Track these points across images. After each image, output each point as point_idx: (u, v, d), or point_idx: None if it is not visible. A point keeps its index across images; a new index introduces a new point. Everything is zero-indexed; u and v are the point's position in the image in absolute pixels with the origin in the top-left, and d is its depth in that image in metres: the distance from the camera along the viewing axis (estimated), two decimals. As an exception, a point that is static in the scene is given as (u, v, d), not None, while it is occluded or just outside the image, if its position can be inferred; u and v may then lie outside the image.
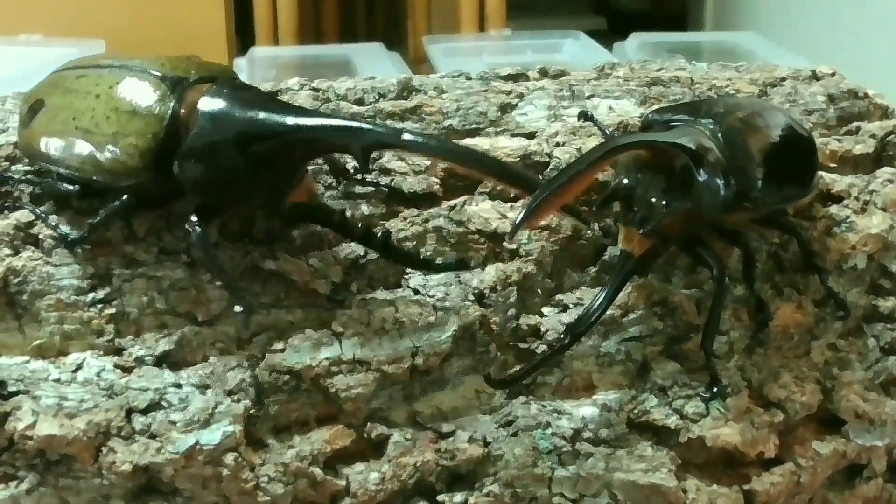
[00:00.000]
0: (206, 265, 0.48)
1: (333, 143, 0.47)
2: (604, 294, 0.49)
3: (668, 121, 0.53)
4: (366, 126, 0.47)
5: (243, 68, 1.47)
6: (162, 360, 0.48)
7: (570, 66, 1.58)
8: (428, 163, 0.54)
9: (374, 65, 1.52)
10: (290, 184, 0.48)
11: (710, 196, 0.49)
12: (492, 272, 0.51)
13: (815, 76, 0.67)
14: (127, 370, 0.47)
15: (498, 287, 0.51)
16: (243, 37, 1.85)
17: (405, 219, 0.52)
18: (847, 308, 0.55)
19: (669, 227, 0.50)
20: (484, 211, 0.53)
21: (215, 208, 0.48)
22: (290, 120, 0.47)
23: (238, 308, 0.46)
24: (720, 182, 0.49)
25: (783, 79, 0.65)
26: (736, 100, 0.60)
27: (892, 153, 0.62)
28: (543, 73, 0.67)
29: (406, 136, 0.46)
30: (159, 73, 0.49)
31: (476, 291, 0.51)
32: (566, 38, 1.61)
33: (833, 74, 0.67)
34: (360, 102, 0.61)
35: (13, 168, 0.53)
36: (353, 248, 0.51)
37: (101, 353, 0.48)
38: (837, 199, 0.59)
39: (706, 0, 2.33)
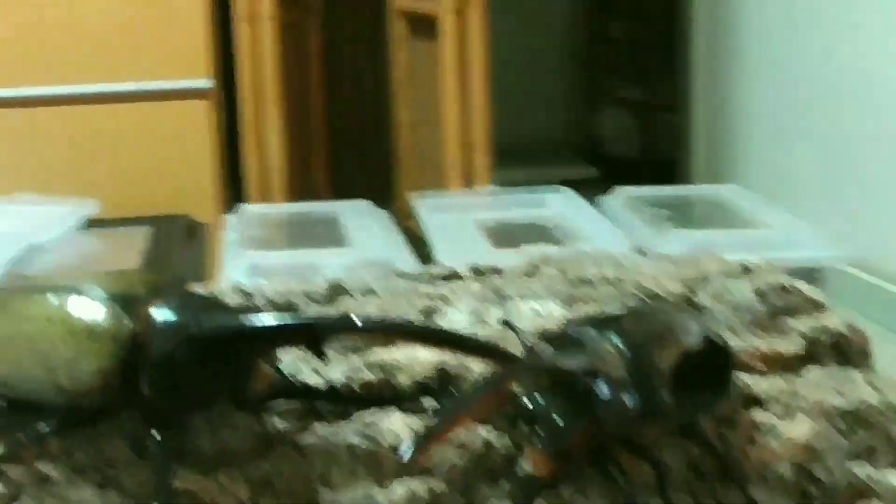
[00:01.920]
0: (157, 485, 0.49)
1: (287, 340, 0.50)
2: None
3: (577, 336, 0.53)
4: (311, 320, 0.50)
5: (232, 225, 1.49)
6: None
7: (554, 220, 1.59)
8: (341, 377, 0.55)
9: (361, 222, 1.54)
10: (248, 376, 0.51)
11: (614, 415, 0.49)
12: (399, 490, 0.51)
13: (746, 269, 0.67)
14: None
15: (401, 508, 0.51)
16: (235, 193, 1.89)
17: (314, 433, 0.52)
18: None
19: (573, 447, 0.49)
20: (394, 425, 0.53)
21: (175, 417, 0.50)
22: (243, 323, 0.49)
23: None
24: (624, 400, 0.49)
25: (711, 276, 0.66)
26: (647, 311, 0.61)
27: (822, 351, 0.62)
28: (477, 272, 0.67)
29: (355, 320, 0.48)
30: (107, 294, 0.50)
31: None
32: (550, 192, 1.63)
33: (766, 267, 0.68)
34: (289, 307, 0.62)
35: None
36: (261, 466, 0.51)
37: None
38: (759, 402, 0.59)
39: (696, 149, 2.36)
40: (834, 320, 0.63)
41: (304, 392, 0.53)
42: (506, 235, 1.24)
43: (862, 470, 0.56)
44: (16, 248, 1.37)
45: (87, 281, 0.51)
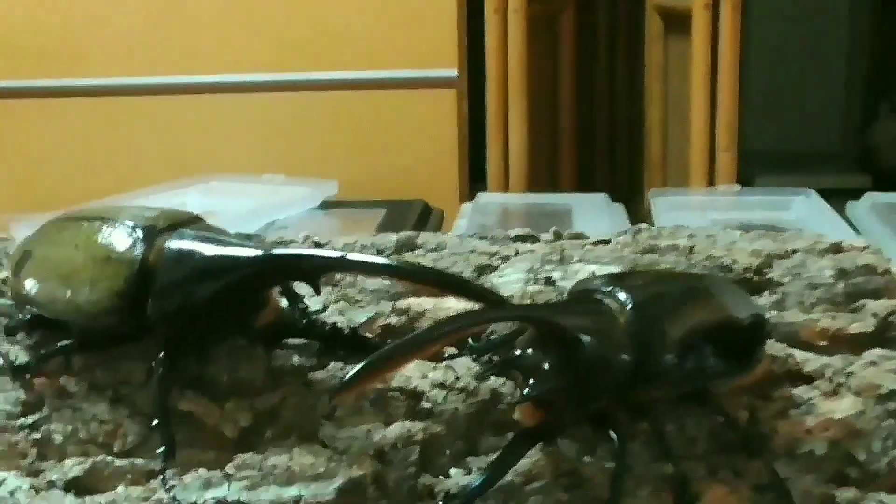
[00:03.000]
0: (155, 403, 0.53)
1: (285, 272, 0.53)
2: (491, 468, 0.49)
3: (587, 292, 0.53)
4: (311, 253, 0.53)
5: (468, 213, 1.54)
6: (70, 486, 0.52)
7: (794, 223, 1.54)
8: (363, 319, 0.57)
9: (594, 215, 1.55)
10: (255, 309, 0.53)
11: (601, 372, 0.49)
12: (396, 429, 0.53)
13: (838, 249, 0.64)
14: (38, 491, 0.52)
15: (399, 444, 0.52)
16: (476, 183, 1.93)
17: (328, 371, 0.55)
18: (790, 497, 0.52)
19: (561, 399, 0.49)
20: (407, 370, 0.55)
21: (184, 344, 0.53)
22: (243, 253, 0.52)
23: (160, 450, 0.51)
24: (613, 358, 0.49)
25: (794, 251, 0.63)
26: (678, 276, 0.59)
27: (894, 335, 0.58)
28: (557, 236, 0.67)
29: (350, 257, 0.50)
30: (131, 223, 0.55)
31: (377, 447, 0.52)
32: (797, 195, 1.58)
33: (865, 248, 0.64)
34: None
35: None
36: (269, 398, 0.54)
37: (24, 473, 0.52)
38: (808, 379, 0.56)
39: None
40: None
41: (308, 332, 0.55)
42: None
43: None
44: (257, 225, 1.48)
45: (121, 213, 0.55)
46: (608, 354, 0.49)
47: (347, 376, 0.44)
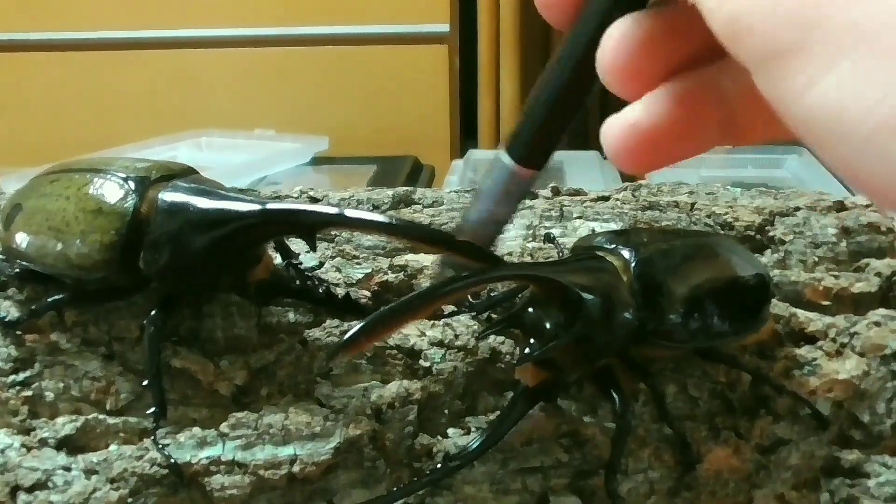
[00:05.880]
0: (146, 360, 0.51)
1: (281, 226, 0.51)
2: (490, 428, 0.49)
3: (589, 249, 0.52)
4: (308, 208, 0.50)
5: (460, 169, 1.52)
6: (63, 444, 0.51)
7: (786, 181, 1.53)
8: (360, 276, 0.56)
9: (587, 172, 1.54)
10: (249, 264, 0.52)
11: (602, 330, 0.48)
12: (393, 388, 0.52)
13: (841, 207, 0.63)
14: (30, 449, 0.51)
15: (396, 404, 0.51)
16: (470, 139, 1.91)
17: (324, 329, 0.54)
18: (826, 421, 0.52)
19: (563, 358, 0.48)
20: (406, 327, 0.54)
21: (177, 300, 0.52)
22: (239, 206, 0.50)
23: (152, 410, 0.50)
24: (616, 318, 0.48)
25: (797, 208, 0.62)
26: (672, 231, 0.58)
27: (897, 295, 0.57)
28: (556, 192, 0.66)
29: (347, 213, 0.48)
30: (123, 175, 0.53)
31: (374, 406, 0.51)
32: (788, 154, 1.57)
33: (869, 206, 0.63)
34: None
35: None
36: (265, 355, 0.53)
37: (15, 431, 0.51)
38: (812, 339, 0.55)
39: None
40: (919, 264, 0.58)
41: (301, 293, 0.54)
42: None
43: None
44: (247, 180, 1.46)
45: (113, 164, 0.54)
46: (611, 313, 0.48)
47: (344, 338, 0.43)
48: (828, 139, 0.30)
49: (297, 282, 0.54)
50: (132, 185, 0.52)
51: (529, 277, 0.48)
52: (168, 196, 0.51)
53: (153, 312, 0.51)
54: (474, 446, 0.48)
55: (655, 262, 0.50)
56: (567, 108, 0.42)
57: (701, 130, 0.39)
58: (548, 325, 0.48)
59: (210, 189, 0.52)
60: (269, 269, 0.52)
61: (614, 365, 0.50)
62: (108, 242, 0.51)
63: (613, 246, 0.51)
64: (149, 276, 0.51)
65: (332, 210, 0.49)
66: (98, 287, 0.53)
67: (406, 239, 0.52)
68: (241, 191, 0.58)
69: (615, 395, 0.49)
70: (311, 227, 0.49)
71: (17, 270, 0.55)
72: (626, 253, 0.50)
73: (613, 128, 0.38)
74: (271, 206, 0.49)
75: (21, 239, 0.54)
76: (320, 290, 0.54)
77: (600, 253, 0.51)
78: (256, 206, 0.49)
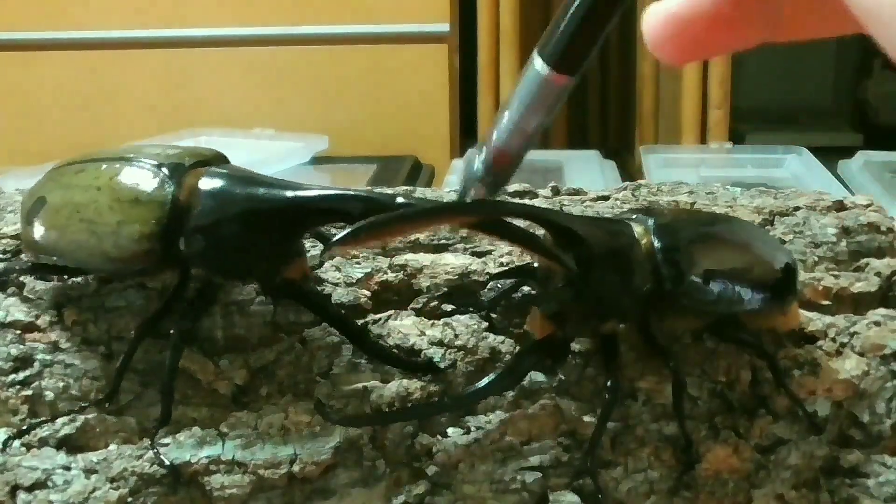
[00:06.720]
0: (167, 366, 0.50)
1: (331, 211, 0.50)
2: (498, 377, 0.49)
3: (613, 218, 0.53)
4: (362, 193, 0.49)
5: (460, 169, 1.52)
6: (63, 443, 0.51)
7: (786, 181, 1.53)
8: (360, 276, 0.56)
9: (587, 172, 1.54)
10: (285, 257, 0.51)
11: (611, 287, 0.48)
12: (393, 387, 0.52)
13: (841, 206, 0.63)
14: (30, 449, 0.51)
15: (396, 403, 0.51)
16: (470, 139, 1.91)
17: (324, 328, 0.54)
18: (820, 428, 0.52)
19: (571, 315, 0.48)
20: (404, 327, 0.54)
21: (211, 295, 0.52)
22: (289, 192, 0.50)
23: (157, 419, 0.50)
24: (628, 276, 0.48)
25: (797, 208, 0.62)
26: (695, 210, 0.59)
27: (897, 295, 0.57)
28: (556, 192, 0.66)
29: (399, 200, 0.48)
30: (156, 162, 0.52)
31: (374, 406, 0.51)
32: (788, 153, 1.57)
33: (868, 205, 0.63)
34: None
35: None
36: (265, 355, 0.53)
37: (14, 431, 0.51)
38: (811, 339, 0.55)
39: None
40: (919, 264, 0.58)
41: (318, 309, 0.52)
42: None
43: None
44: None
45: (140, 152, 0.52)
46: (623, 271, 0.48)
47: (342, 234, 0.42)
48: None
49: (318, 302, 0.53)
50: (167, 171, 0.51)
51: (544, 221, 0.47)
52: (210, 182, 0.50)
53: (181, 317, 0.50)
54: (478, 387, 0.48)
55: (676, 226, 0.51)
56: (608, 5, 0.40)
57: (744, 23, 0.38)
58: (560, 280, 0.48)
59: (254, 175, 0.51)
60: (302, 272, 0.51)
61: (632, 342, 0.51)
62: (148, 232, 0.49)
63: (636, 216, 0.52)
64: (190, 263, 0.50)
65: (385, 197, 0.48)
66: (132, 279, 0.52)
67: (461, 225, 0.51)
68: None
69: (609, 368, 0.50)
70: (364, 213, 0.47)
71: (29, 266, 0.54)
72: (647, 219, 0.51)
73: (655, 16, 0.38)
74: (324, 192, 0.49)
75: (48, 234, 0.52)
76: (338, 313, 0.53)
77: (624, 218, 0.52)
78: (310, 193, 0.49)
